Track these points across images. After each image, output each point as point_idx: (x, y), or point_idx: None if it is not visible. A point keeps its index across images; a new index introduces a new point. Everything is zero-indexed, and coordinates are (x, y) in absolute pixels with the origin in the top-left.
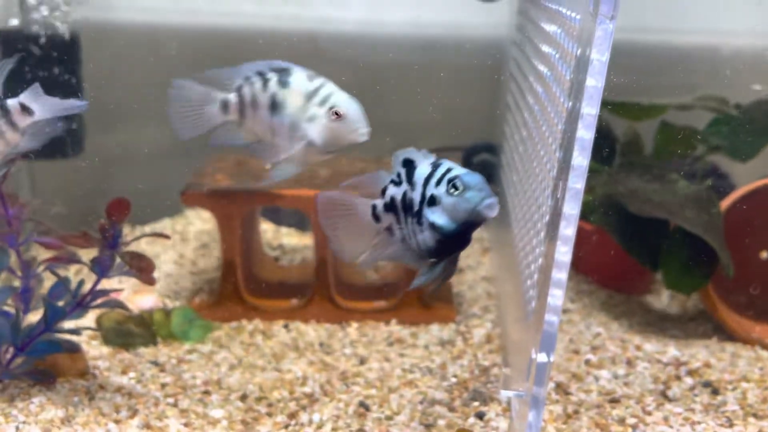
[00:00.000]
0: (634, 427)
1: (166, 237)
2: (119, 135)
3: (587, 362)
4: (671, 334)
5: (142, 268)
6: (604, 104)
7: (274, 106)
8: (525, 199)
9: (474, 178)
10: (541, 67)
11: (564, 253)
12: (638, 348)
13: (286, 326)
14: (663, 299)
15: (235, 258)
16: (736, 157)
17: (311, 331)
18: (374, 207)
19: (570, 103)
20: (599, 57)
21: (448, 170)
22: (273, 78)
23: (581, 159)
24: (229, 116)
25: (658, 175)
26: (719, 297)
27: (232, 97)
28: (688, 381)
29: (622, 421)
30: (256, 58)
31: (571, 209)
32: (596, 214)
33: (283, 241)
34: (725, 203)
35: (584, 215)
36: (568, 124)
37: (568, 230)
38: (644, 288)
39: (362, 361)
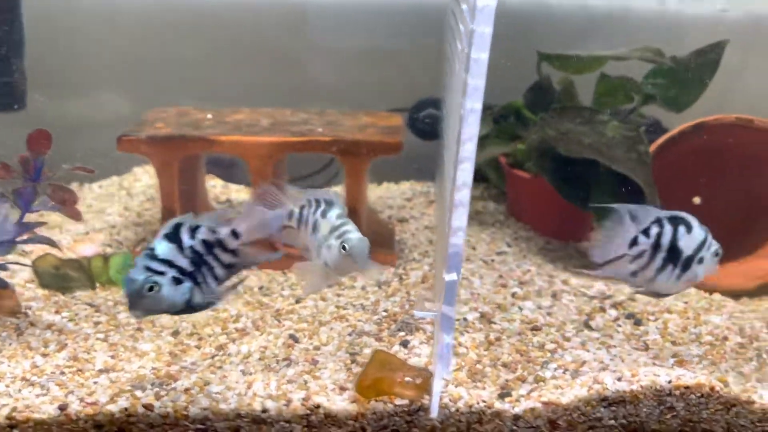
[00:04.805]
0: (552, 351)
1: (90, 171)
2: (74, 100)
3: (513, 294)
4: None
5: (65, 200)
6: (545, 58)
7: None
8: (451, 145)
9: None
10: (460, 25)
11: (466, 173)
12: (565, 282)
13: None
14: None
15: (174, 205)
16: (671, 107)
17: (252, 277)
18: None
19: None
20: (487, 3)
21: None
22: None
23: (479, 81)
24: None
25: (589, 118)
26: None
27: None
28: (612, 313)
29: (541, 346)
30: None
31: (470, 130)
32: (531, 160)
33: (232, 196)
34: (653, 147)
35: (521, 164)
36: (466, 70)
37: (467, 150)
38: (581, 234)
39: (298, 301)
